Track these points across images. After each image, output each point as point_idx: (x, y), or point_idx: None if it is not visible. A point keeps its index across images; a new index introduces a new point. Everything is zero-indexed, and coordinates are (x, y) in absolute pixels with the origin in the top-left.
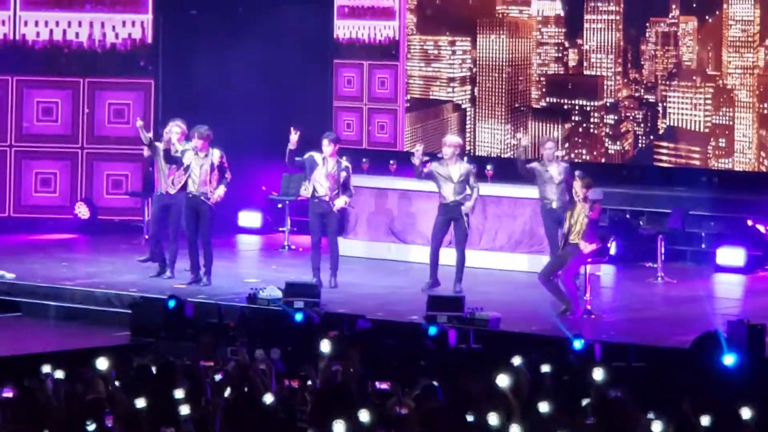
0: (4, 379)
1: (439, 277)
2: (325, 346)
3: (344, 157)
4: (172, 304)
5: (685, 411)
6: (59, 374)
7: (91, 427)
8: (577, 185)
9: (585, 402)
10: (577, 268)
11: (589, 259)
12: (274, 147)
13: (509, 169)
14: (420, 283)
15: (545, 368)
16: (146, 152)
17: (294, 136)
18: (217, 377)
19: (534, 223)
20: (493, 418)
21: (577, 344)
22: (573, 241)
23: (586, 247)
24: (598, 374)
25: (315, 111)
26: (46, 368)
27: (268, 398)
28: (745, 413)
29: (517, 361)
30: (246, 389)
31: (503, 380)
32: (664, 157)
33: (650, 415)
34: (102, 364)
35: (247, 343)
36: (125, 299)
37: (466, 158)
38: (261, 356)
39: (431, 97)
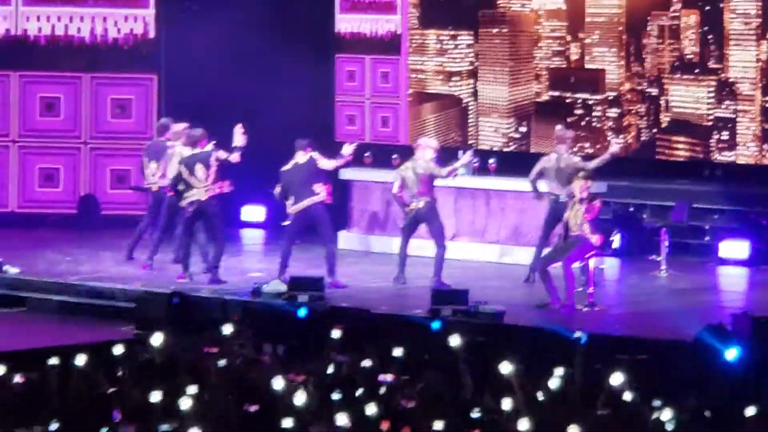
0: (10, 372)
1: (447, 273)
2: (336, 334)
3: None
4: (175, 300)
5: (690, 403)
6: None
7: (104, 430)
8: (576, 185)
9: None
10: (579, 257)
11: (593, 251)
12: (276, 141)
13: (512, 163)
14: (424, 277)
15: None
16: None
17: (239, 130)
18: (221, 362)
19: (537, 216)
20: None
21: (578, 334)
22: (574, 232)
23: (593, 238)
24: (615, 379)
25: (317, 105)
26: (52, 360)
27: (278, 383)
28: (749, 409)
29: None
30: (252, 383)
31: (506, 368)
32: (667, 150)
33: (656, 403)
34: (118, 350)
35: (252, 338)
36: (130, 294)
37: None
38: (267, 351)
39: (433, 91)
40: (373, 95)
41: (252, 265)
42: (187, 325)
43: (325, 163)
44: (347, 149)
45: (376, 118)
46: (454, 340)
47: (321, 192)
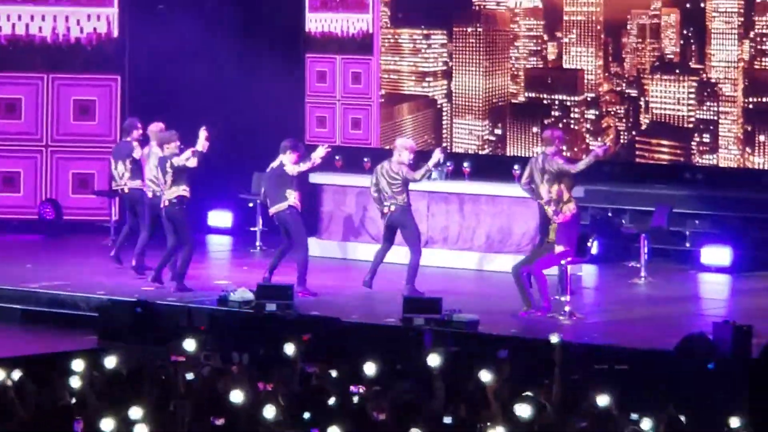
0: None
1: (420, 281)
2: (290, 348)
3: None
4: (138, 310)
5: (671, 414)
6: (24, 378)
7: None
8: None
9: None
10: (549, 263)
11: (569, 258)
12: (244, 144)
13: (486, 167)
14: (397, 284)
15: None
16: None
17: (203, 134)
18: (189, 376)
19: (512, 221)
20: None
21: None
22: (551, 240)
23: (556, 248)
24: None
25: (287, 107)
26: (15, 374)
27: (237, 396)
28: (733, 421)
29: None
30: (220, 393)
31: (485, 376)
32: (646, 153)
33: (634, 416)
34: (77, 367)
35: (220, 347)
36: (92, 302)
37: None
38: (235, 360)
39: (407, 92)
40: (344, 96)
41: (219, 272)
42: (151, 335)
43: (291, 169)
44: (319, 153)
45: (347, 119)
46: (432, 359)
47: (290, 197)
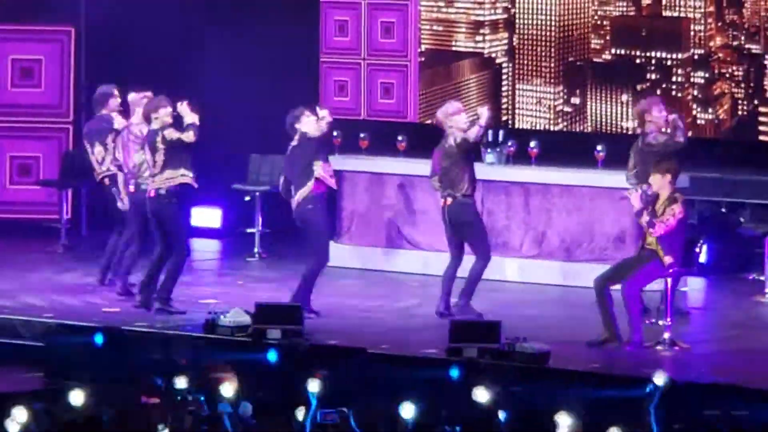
0: None
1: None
2: (314, 387)
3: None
4: (99, 339)
5: None
6: None
7: None
8: (653, 181)
9: None
10: (647, 279)
11: (670, 270)
12: (238, 119)
13: (560, 147)
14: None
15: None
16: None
17: (184, 109)
18: (163, 429)
19: (595, 220)
20: None
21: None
22: (650, 245)
23: (666, 260)
24: None
25: (294, 69)
26: None
27: None
28: None
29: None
30: None
31: (564, 423)
32: None
33: None
34: (17, 416)
35: (206, 390)
36: (37, 328)
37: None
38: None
39: (454, 48)
40: (371, 54)
41: (204, 288)
42: (116, 372)
43: (313, 128)
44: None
45: (375, 85)
46: (482, 394)
47: (317, 169)
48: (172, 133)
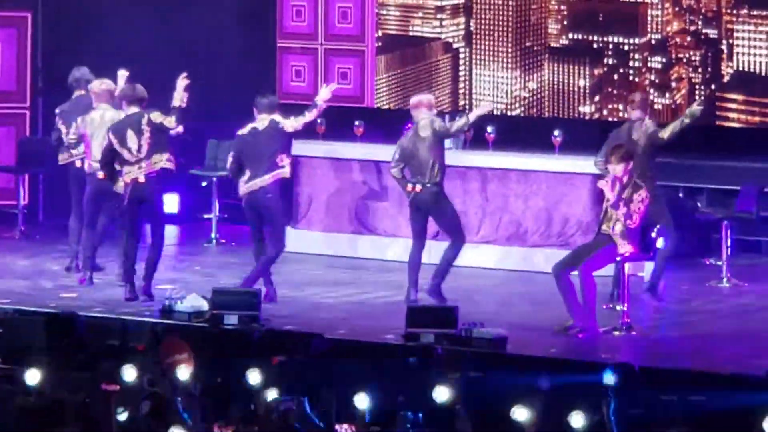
0: None
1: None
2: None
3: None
4: (56, 325)
5: None
6: None
7: None
8: (613, 168)
9: None
10: (602, 262)
11: (626, 254)
12: (195, 104)
13: (518, 132)
14: (397, 288)
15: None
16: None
17: (182, 83)
18: (122, 416)
19: (553, 205)
20: None
21: (608, 377)
22: (605, 230)
23: (623, 246)
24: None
25: (251, 54)
26: None
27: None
28: None
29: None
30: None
31: (521, 414)
32: (731, 114)
33: None
34: None
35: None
36: None
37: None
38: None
39: (411, 33)
40: (328, 39)
41: (162, 273)
42: (74, 358)
43: (290, 124)
44: (323, 95)
45: (332, 70)
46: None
47: (285, 165)
48: (156, 116)
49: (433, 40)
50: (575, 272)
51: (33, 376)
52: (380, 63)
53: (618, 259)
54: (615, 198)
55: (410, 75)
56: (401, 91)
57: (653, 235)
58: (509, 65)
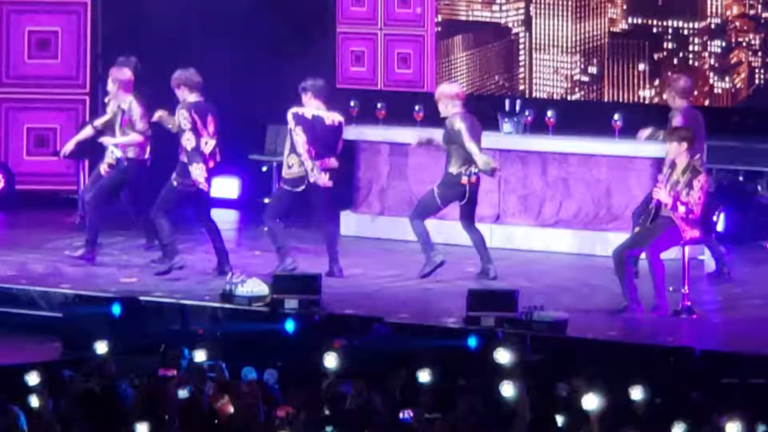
0: None
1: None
2: (330, 361)
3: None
4: (116, 310)
5: None
6: None
7: None
8: (671, 149)
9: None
10: (668, 244)
11: (688, 238)
12: (255, 89)
13: (578, 117)
14: (459, 272)
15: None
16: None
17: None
18: (183, 393)
19: (614, 188)
20: None
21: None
22: (666, 213)
23: (688, 232)
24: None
25: (311, 39)
26: None
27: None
28: None
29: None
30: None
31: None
32: None
33: None
34: (33, 384)
35: (224, 357)
36: (55, 299)
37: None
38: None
39: (471, 18)
40: (388, 24)
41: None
42: (134, 342)
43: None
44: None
45: (391, 55)
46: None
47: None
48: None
49: (493, 25)
50: (638, 255)
51: (93, 361)
52: (440, 47)
53: (681, 243)
54: (672, 201)
55: (469, 60)
56: (462, 76)
57: (714, 218)
58: (569, 50)
